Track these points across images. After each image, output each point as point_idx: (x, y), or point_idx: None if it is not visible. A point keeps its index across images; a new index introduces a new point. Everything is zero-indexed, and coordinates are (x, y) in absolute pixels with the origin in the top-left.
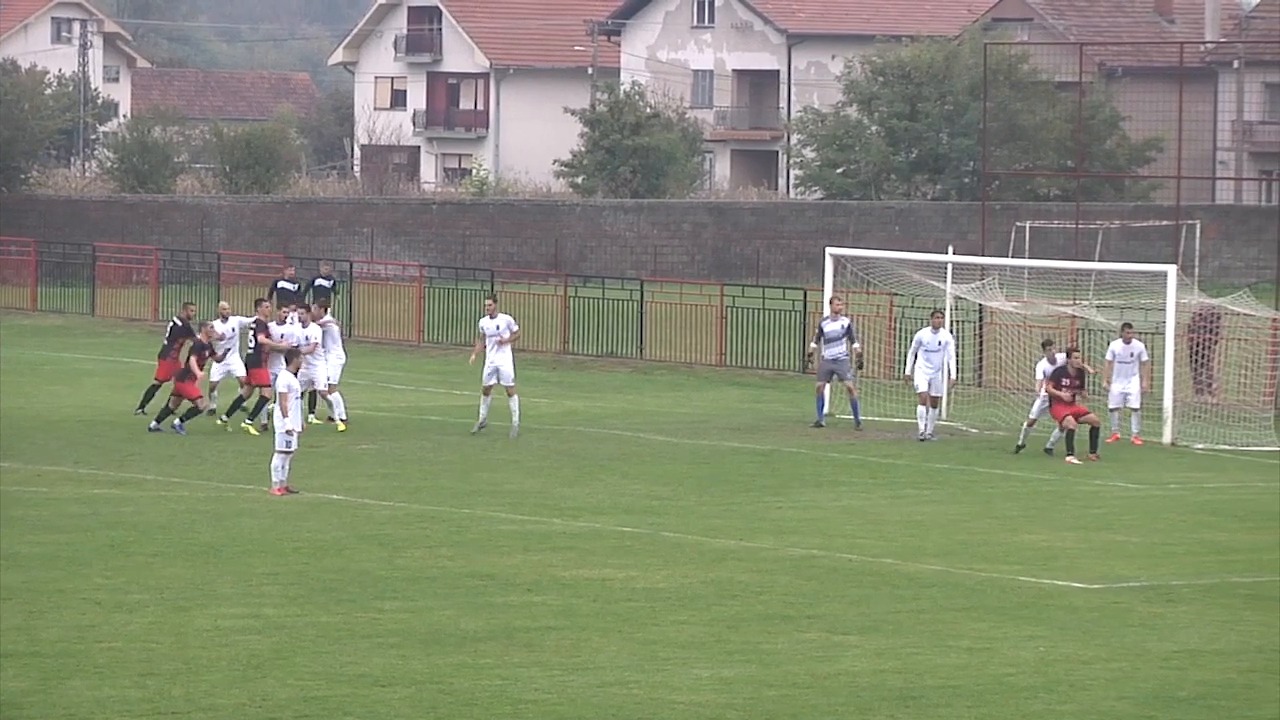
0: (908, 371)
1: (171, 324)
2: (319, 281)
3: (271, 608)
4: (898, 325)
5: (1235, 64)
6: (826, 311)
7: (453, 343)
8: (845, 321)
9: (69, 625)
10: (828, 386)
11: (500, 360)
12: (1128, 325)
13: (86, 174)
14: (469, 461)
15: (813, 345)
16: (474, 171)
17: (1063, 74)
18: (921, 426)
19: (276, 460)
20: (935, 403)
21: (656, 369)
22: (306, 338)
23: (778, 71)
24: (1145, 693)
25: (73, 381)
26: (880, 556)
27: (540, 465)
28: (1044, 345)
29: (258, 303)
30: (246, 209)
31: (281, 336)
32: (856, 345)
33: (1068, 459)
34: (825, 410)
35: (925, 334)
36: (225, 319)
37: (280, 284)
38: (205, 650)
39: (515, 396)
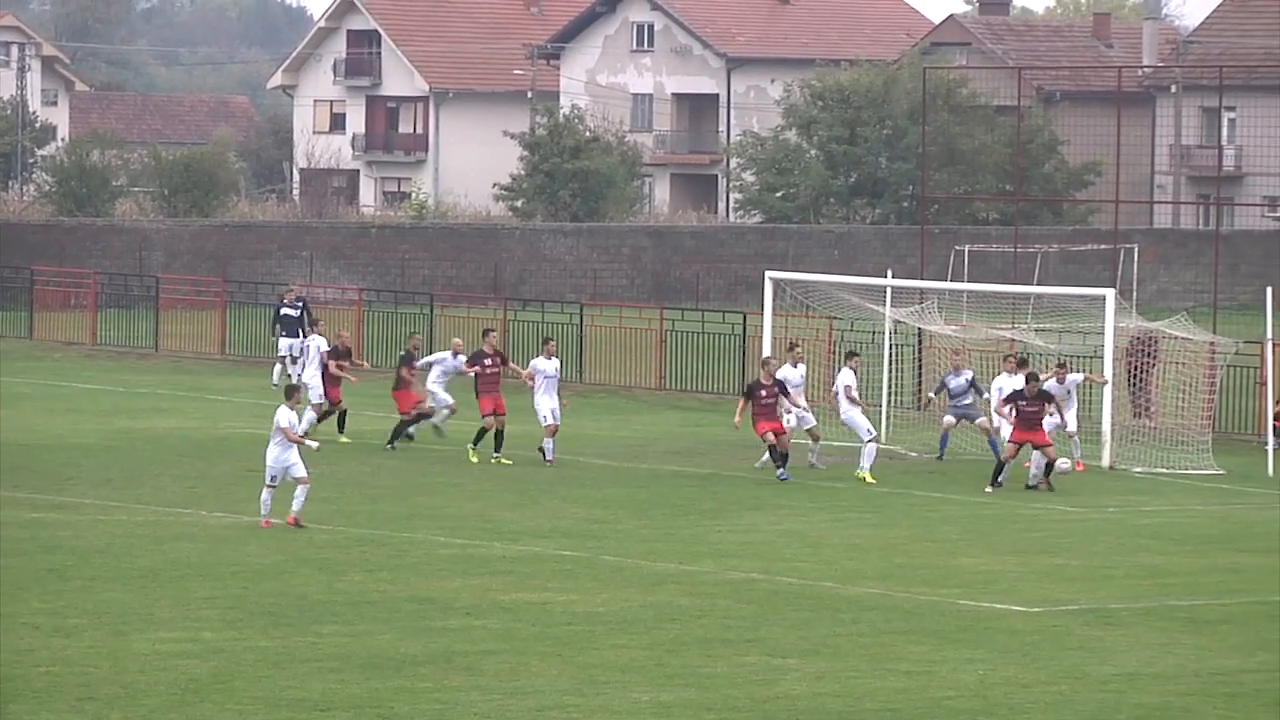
0: (947, 419)
1: (403, 354)
2: (284, 310)
3: (210, 632)
4: (837, 349)
5: (1173, 88)
6: (949, 367)
7: (392, 366)
8: (969, 374)
9: (7, 649)
10: (954, 424)
11: (553, 401)
12: (1061, 365)
13: (24, 197)
14: (408, 485)
15: (930, 395)
16: (413, 195)
17: (1001, 98)
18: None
19: (265, 494)
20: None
21: (596, 392)
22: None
23: (717, 95)
24: (1084, 716)
25: (10, 405)
26: (820, 580)
27: (480, 489)
28: (1028, 377)
29: (485, 333)
30: (185, 232)
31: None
32: (986, 395)
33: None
34: (946, 446)
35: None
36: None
37: (283, 310)
38: (144, 674)
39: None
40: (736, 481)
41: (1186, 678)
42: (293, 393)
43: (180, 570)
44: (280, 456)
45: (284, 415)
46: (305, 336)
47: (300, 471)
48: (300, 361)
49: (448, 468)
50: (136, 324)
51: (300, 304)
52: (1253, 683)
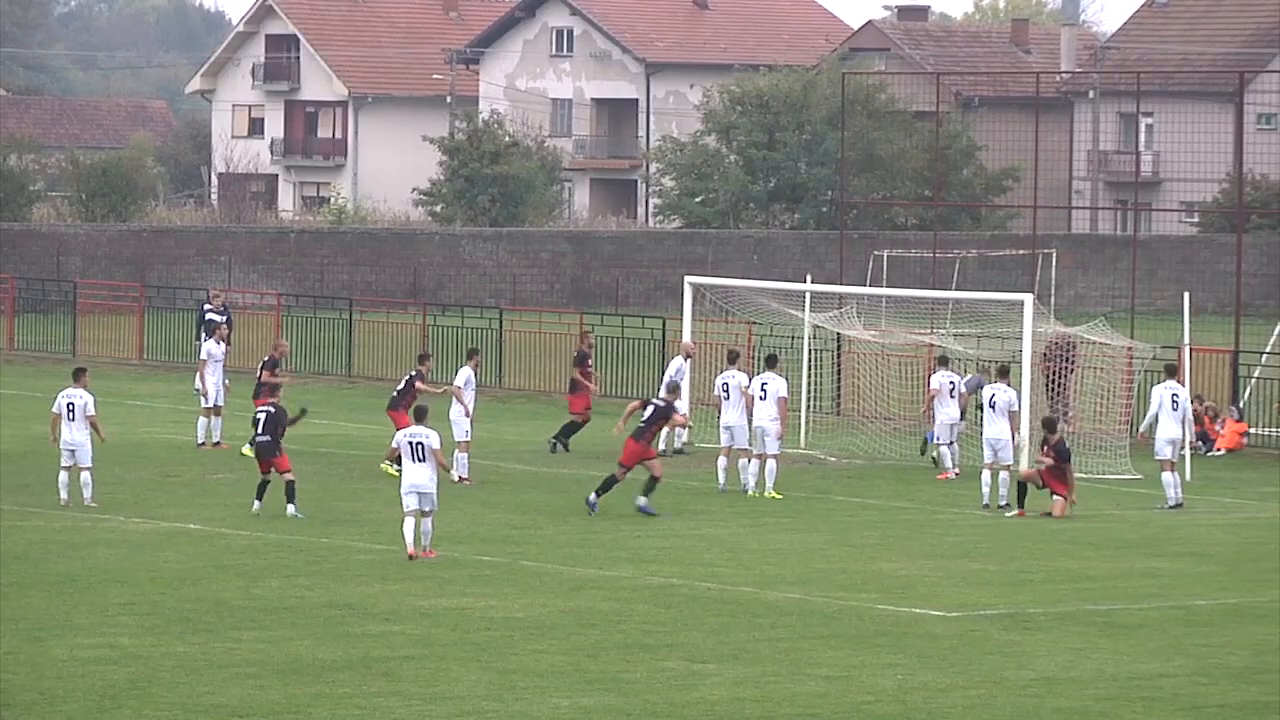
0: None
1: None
2: (209, 315)
3: (128, 638)
4: (756, 354)
5: (1090, 94)
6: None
7: (310, 371)
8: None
9: None
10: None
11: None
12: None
13: None
14: (327, 491)
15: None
16: (332, 200)
17: (920, 103)
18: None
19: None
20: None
21: (515, 398)
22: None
23: (636, 100)
24: None
25: None
26: (739, 585)
27: (399, 494)
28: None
29: (421, 358)
30: (103, 237)
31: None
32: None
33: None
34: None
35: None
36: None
37: (207, 315)
38: (61, 681)
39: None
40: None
41: (1104, 682)
42: (423, 414)
43: (98, 576)
44: (424, 480)
45: (434, 438)
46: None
47: (430, 503)
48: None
49: (366, 474)
50: (53, 329)
51: (224, 310)
52: (1170, 687)
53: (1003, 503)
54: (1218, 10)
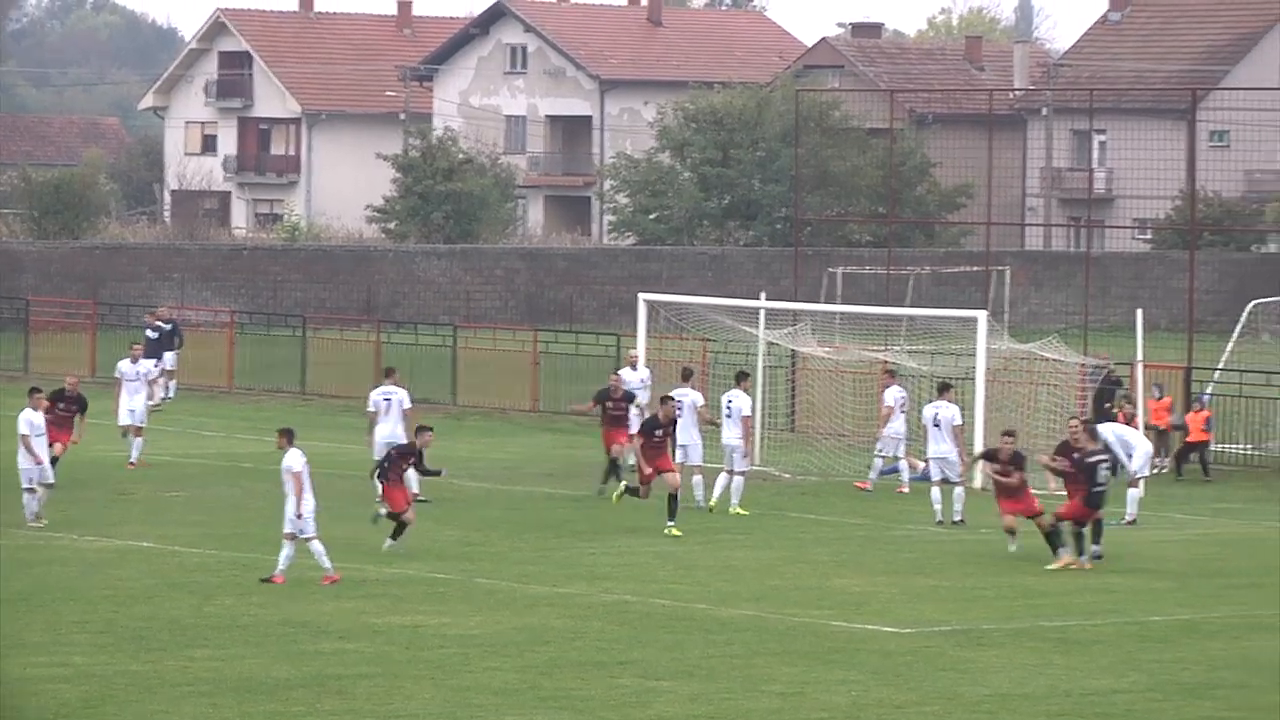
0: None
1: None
2: (146, 331)
3: (81, 656)
4: (710, 371)
5: (1044, 111)
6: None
7: (263, 389)
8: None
9: None
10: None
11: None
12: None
13: None
14: (280, 509)
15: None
16: (285, 217)
17: (874, 120)
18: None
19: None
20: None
21: (470, 414)
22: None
23: (590, 117)
24: None
25: None
26: (693, 602)
27: (352, 511)
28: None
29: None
30: (55, 254)
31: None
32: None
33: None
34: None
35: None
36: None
37: (146, 331)
38: (13, 699)
39: None
40: (610, 504)
41: (1058, 698)
42: (292, 436)
43: (51, 594)
44: (308, 507)
45: (299, 459)
46: (162, 359)
47: (313, 527)
48: (163, 383)
49: (319, 492)
50: (6, 346)
51: (169, 325)
52: (1124, 703)
53: (956, 518)
54: (1170, 28)
